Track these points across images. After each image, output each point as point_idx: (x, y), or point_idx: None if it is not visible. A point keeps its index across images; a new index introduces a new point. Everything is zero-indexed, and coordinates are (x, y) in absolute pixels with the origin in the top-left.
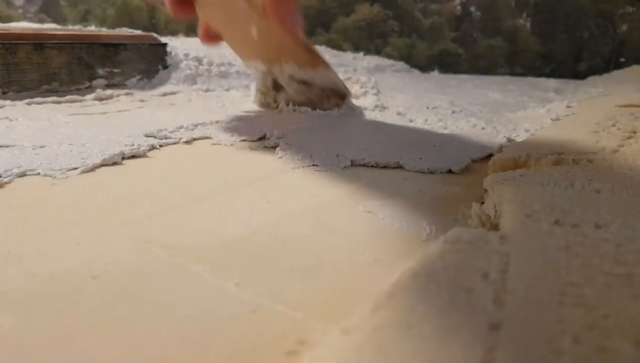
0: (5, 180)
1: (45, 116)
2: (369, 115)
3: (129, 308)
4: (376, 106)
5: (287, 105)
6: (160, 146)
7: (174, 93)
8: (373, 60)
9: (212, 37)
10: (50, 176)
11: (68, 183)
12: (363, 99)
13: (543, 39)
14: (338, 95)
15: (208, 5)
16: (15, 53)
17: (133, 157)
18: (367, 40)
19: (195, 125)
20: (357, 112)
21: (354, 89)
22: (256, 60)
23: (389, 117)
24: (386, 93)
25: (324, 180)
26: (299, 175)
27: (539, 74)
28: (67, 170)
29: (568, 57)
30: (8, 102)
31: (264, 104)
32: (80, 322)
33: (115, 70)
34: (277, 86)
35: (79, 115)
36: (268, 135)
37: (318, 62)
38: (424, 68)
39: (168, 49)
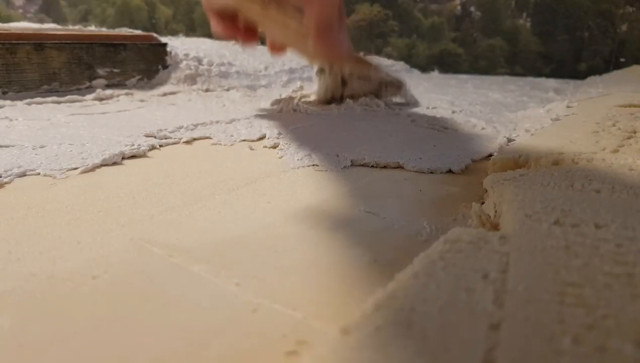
0: (5, 180)
1: (45, 116)
2: (371, 115)
3: (129, 308)
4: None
5: (349, 98)
6: (160, 146)
7: (174, 93)
8: (373, 60)
9: (278, 48)
10: (50, 176)
11: (68, 183)
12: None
13: (543, 39)
14: (394, 86)
15: (269, 28)
16: (15, 53)
17: (133, 157)
18: (367, 40)
19: (195, 125)
20: (412, 101)
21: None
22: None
23: (389, 117)
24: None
25: (324, 180)
26: (299, 175)
27: (539, 74)
28: (67, 170)
29: (568, 57)
30: (8, 102)
31: (326, 99)
32: (80, 322)
33: (115, 70)
34: (343, 82)
35: (79, 115)
36: (268, 135)
37: (369, 68)
38: (424, 68)
39: (168, 49)
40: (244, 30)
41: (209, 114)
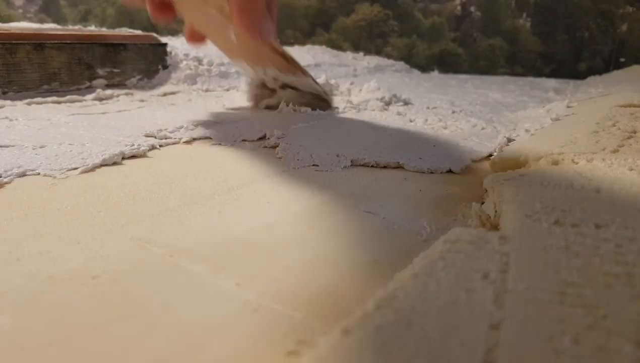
0: (5, 180)
1: (45, 116)
2: (371, 115)
3: (129, 308)
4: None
5: (287, 105)
6: (160, 146)
7: (174, 93)
8: (373, 60)
9: (197, 38)
10: (50, 176)
11: (68, 184)
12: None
13: (543, 39)
14: (321, 100)
15: (188, 11)
16: (15, 53)
17: (133, 157)
18: (367, 40)
19: (195, 125)
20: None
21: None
22: (241, 60)
23: (389, 117)
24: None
25: (324, 180)
26: (299, 175)
27: (539, 74)
28: (67, 170)
29: (568, 57)
30: (8, 102)
31: (256, 101)
32: (80, 322)
33: (115, 70)
34: (272, 90)
35: (79, 115)
36: (268, 135)
37: (295, 68)
38: (424, 68)
39: (168, 49)
40: (158, 3)
41: (209, 114)
